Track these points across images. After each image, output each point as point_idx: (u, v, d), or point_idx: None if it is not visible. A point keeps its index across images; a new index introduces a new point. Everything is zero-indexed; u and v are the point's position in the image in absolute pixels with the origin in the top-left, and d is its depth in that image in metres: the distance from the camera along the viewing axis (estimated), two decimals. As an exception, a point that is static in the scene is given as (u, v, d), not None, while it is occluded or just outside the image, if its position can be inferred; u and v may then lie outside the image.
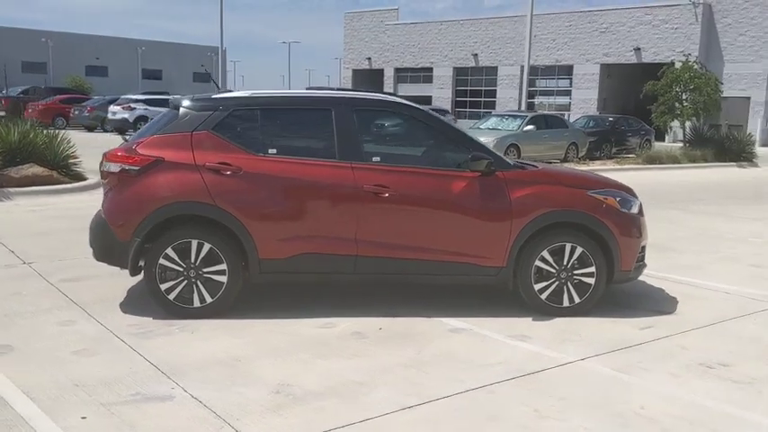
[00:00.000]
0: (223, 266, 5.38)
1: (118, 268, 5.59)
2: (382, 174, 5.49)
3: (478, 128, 21.31)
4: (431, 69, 48.09)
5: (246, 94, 5.79)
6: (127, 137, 6.32)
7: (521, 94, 43.08)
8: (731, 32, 36.60)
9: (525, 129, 20.33)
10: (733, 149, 23.73)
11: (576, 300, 5.66)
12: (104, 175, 5.62)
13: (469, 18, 47.08)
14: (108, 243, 5.45)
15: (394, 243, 5.50)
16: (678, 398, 4.14)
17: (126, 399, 3.97)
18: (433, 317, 5.55)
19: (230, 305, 5.46)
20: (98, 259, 5.66)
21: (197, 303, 5.41)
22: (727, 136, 24.34)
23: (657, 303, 6.14)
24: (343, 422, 3.72)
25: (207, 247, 5.35)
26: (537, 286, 5.63)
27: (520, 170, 5.77)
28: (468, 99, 46.89)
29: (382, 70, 50.92)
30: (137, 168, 5.37)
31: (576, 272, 5.63)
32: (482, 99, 45.67)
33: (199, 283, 5.39)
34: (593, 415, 3.88)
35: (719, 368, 4.62)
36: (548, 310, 5.65)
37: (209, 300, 5.41)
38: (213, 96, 5.75)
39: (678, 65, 24.90)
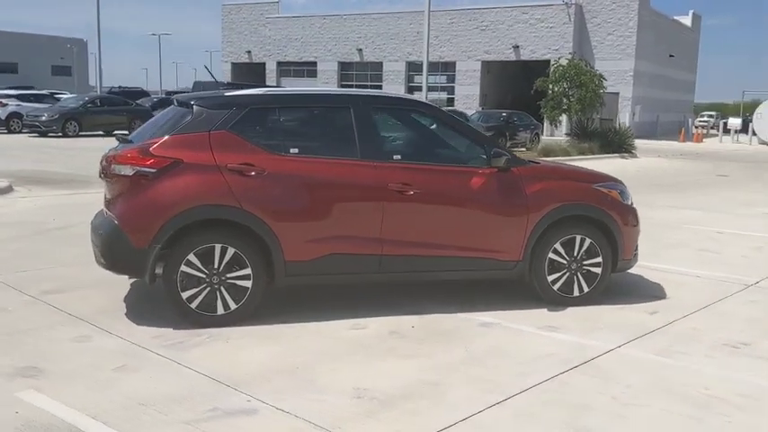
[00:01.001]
0: (247, 271, 5.16)
1: (99, 276, 5.37)
2: (406, 172, 5.47)
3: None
4: (315, 64, 47.90)
5: (262, 92, 5.59)
6: (121, 138, 5.87)
7: (407, 89, 43.99)
8: (601, 32, 39.05)
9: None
10: (616, 141, 25.38)
11: (585, 289, 5.91)
12: (112, 177, 5.23)
13: (353, 13, 47.33)
14: (122, 251, 5.08)
15: (418, 241, 5.50)
16: (729, 378, 4.42)
17: (206, 415, 3.74)
18: (457, 312, 5.60)
19: (253, 311, 5.26)
20: (108, 268, 5.27)
21: (221, 311, 5.16)
22: (610, 129, 25.99)
23: (646, 289, 6.51)
24: (447, 423, 3.70)
25: (231, 251, 5.12)
26: (550, 278, 5.82)
27: (532, 166, 5.93)
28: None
29: (264, 64, 50.14)
30: (153, 171, 5.04)
31: (585, 262, 5.87)
32: (367, 94, 46.11)
33: (222, 289, 5.15)
34: (667, 398, 4.07)
35: (743, 347, 4.99)
36: (560, 300, 5.85)
37: (233, 306, 5.18)
38: (228, 94, 5.51)
39: (564, 62, 26.24)
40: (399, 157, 5.56)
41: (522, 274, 5.80)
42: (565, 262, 5.82)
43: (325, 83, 47.42)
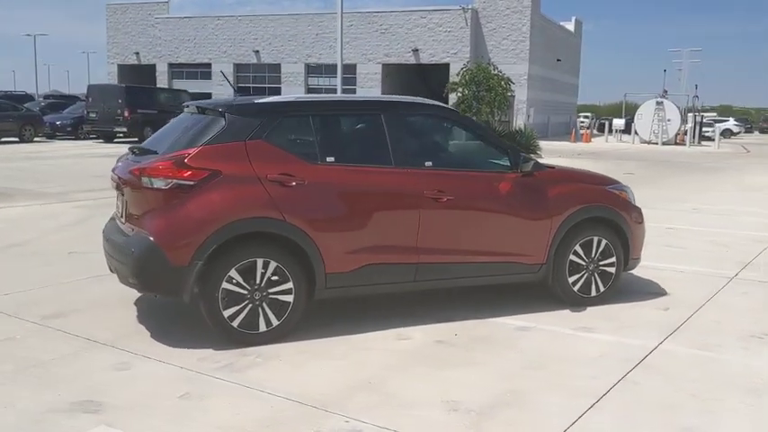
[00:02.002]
0: (289, 285, 4.96)
1: (91, 296, 5.30)
2: (440, 178, 5.43)
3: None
4: (209, 65, 46.56)
5: (293, 99, 5.39)
6: (138, 149, 5.46)
7: (306, 91, 43.66)
8: (496, 36, 40.31)
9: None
10: (522, 143, 26.28)
11: (602, 289, 6.09)
12: (140, 190, 4.86)
13: (248, 14, 46.36)
14: (159, 269, 4.74)
15: (452, 248, 5.49)
16: (775, 367, 4.71)
17: (313, 440, 3.57)
18: (488, 318, 5.62)
19: (293, 327, 5.05)
20: (141, 289, 4.92)
21: (263, 328, 4.94)
22: (517, 131, 26.87)
23: (641, 286, 6.76)
24: (558, 430, 3.72)
25: (273, 265, 4.90)
26: (571, 279, 5.95)
27: (550, 170, 6.04)
28: (252, 96, 46.18)
29: (154, 65, 48.23)
30: (191, 183, 4.75)
31: (601, 263, 6.05)
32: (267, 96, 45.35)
33: (264, 305, 4.92)
34: (735, 392, 4.26)
35: (767, 337, 5.31)
36: (579, 300, 5.99)
37: (275, 323, 4.96)
38: (259, 101, 5.25)
39: (473, 66, 26.90)
40: (431, 163, 5.52)
41: (546, 277, 5.89)
42: (584, 263, 5.98)
43: (221, 85, 46.25)
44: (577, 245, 5.92)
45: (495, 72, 26.45)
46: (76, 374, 4.36)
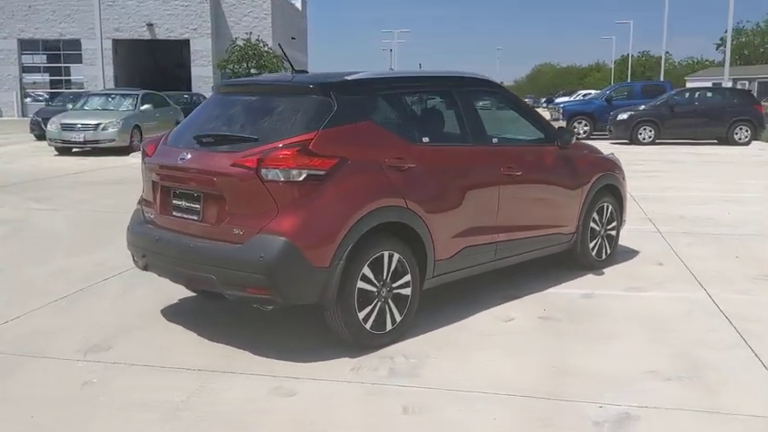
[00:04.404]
0: (408, 277, 4.56)
1: (119, 319, 4.74)
2: (508, 154, 5.37)
3: (82, 109, 18.85)
4: None
5: (382, 75, 4.85)
6: (215, 137, 4.47)
7: (21, 69, 38.64)
8: (237, 13, 39.39)
9: (143, 108, 18.87)
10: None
11: (608, 251, 6.51)
12: (257, 185, 4.03)
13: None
14: (299, 274, 4.02)
15: (521, 224, 5.46)
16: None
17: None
18: (543, 291, 5.67)
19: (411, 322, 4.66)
20: (290, 301, 4.13)
21: (389, 326, 4.48)
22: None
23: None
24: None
25: (396, 257, 4.46)
26: (591, 244, 6.27)
27: (576, 142, 6.21)
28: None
29: None
30: (323, 173, 4.08)
31: (608, 227, 6.46)
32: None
33: (389, 301, 4.46)
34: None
35: (765, 278, 6.13)
36: (595, 264, 6.33)
37: (398, 319, 4.53)
38: (353, 78, 4.62)
39: (241, 42, 26.08)
40: (496, 140, 5.40)
41: (575, 245, 6.12)
42: (598, 228, 6.32)
43: None
44: (594, 212, 6.25)
45: (266, 49, 25.97)
46: (238, 409, 3.56)
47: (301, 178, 4.03)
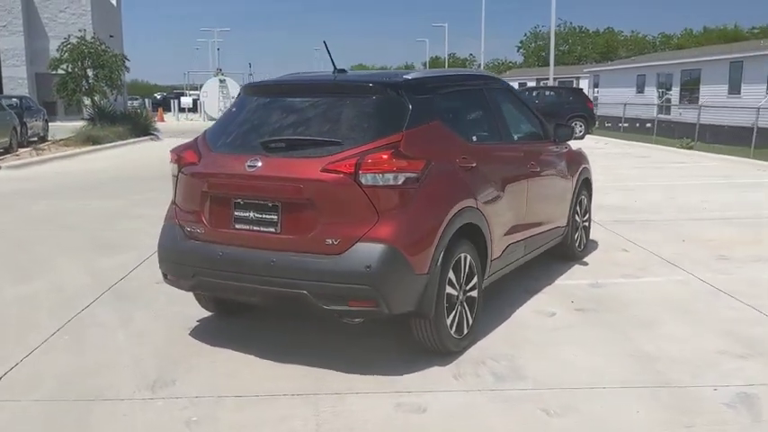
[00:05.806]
0: (475, 279, 4.47)
1: (147, 348, 4.41)
2: (531, 151, 5.44)
3: None
4: None
5: (435, 74, 4.69)
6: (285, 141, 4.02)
7: None
8: (52, 8, 36.21)
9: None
10: (142, 125, 24.75)
11: (585, 241, 6.81)
12: (353, 191, 3.72)
13: None
14: (408, 282, 3.80)
15: (539, 220, 5.55)
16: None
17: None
18: (557, 281, 5.84)
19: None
20: (394, 311, 3.84)
21: (465, 330, 4.37)
22: (136, 113, 25.09)
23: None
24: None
25: (468, 259, 4.36)
26: (574, 236, 6.51)
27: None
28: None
29: None
30: (416, 175, 3.88)
31: (584, 219, 6.75)
32: None
33: (465, 305, 4.35)
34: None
35: (764, 260, 6.66)
36: (578, 255, 6.59)
37: (470, 322, 4.43)
38: (414, 77, 4.40)
39: (74, 40, 23.98)
40: (516, 137, 5.45)
41: (566, 238, 6.32)
42: (579, 221, 6.59)
43: None
44: (577, 204, 6.50)
45: (104, 47, 24.11)
46: (382, 429, 3.31)
47: (400, 182, 3.80)
